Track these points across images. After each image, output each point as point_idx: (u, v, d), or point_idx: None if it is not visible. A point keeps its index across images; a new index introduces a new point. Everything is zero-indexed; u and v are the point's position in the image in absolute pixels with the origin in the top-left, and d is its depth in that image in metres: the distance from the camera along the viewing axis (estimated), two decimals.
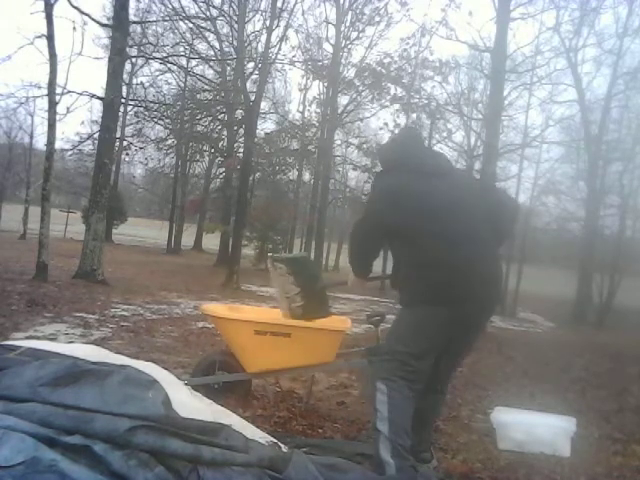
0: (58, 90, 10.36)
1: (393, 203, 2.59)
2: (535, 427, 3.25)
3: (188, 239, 30.33)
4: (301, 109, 23.07)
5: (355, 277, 2.96)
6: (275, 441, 2.32)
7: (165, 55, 16.99)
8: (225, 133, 22.05)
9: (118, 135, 14.91)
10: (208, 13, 17.87)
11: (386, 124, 17.67)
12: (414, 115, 18.79)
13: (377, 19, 16.71)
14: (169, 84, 22.84)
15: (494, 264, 2.65)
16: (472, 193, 2.73)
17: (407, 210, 2.57)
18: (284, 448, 2.26)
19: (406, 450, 2.41)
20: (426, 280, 2.53)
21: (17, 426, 1.68)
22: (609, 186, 19.14)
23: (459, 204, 2.60)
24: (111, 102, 10.66)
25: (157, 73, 21.96)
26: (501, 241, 2.81)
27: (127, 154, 20.15)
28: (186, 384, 2.56)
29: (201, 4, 17.52)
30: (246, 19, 17.19)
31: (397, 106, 17.25)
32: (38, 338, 4.95)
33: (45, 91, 10.46)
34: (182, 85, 22.51)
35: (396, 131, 17.28)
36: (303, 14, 22.01)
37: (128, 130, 23.91)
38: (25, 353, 2.16)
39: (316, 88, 22.42)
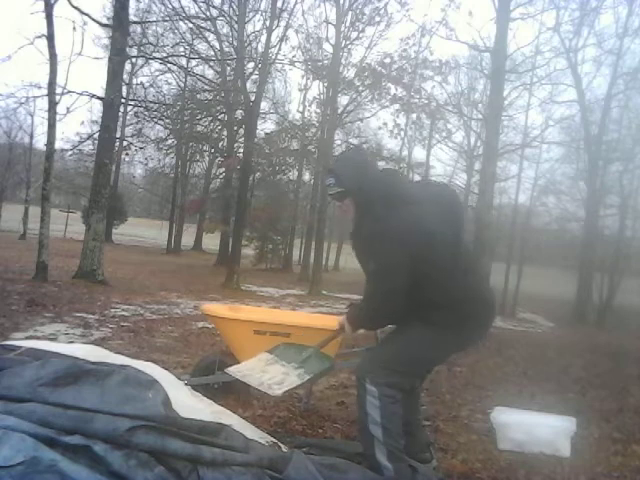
0: (58, 90, 10.37)
1: (412, 242, 2.33)
2: (535, 427, 3.25)
3: (188, 239, 30.33)
4: (301, 109, 23.07)
5: (352, 328, 2.62)
6: (275, 441, 2.32)
7: (165, 55, 16.99)
8: (225, 133, 22.05)
9: (118, 135, 14.88)
10: (208, 13, 17.87)
11: (386, 124, 17.65)
12: (414, 115, 18.78)
13: (377, 19, 16.68)
14: (169, 84, 22.86)
15: (489, 285, 2.67)
16: (458, 214, 2.64)
17: (425, 252, 2.35)
18: (284, 448, 2.26)
19: (401, 451, 2.39)
20: (436, 318, 2.40)
21: (17, 426, 1.68)
22: (609, 186, 19.15)
23: (453, 228, 2.49)
24: (111, 102, 10.66)
25: (157, 73, 21.97)
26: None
27: (127, 154, 20.10)
28: (186, 384, 2.56)
29: (201, 4, 17.52)
30: (246, 19, 17.20)
31: (397, 106, 17.22)
32: (38, 338, 4.95)
33: (45, 91, 10.48)
34: (182, 85, 22.53)
35: (396, 131, 17.27)
36: (303, 14, 22.10)
37: (128, 130, 23.90)
38: (25, 353, 2.17)
39: (316, 88, 22.47)
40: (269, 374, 2.71)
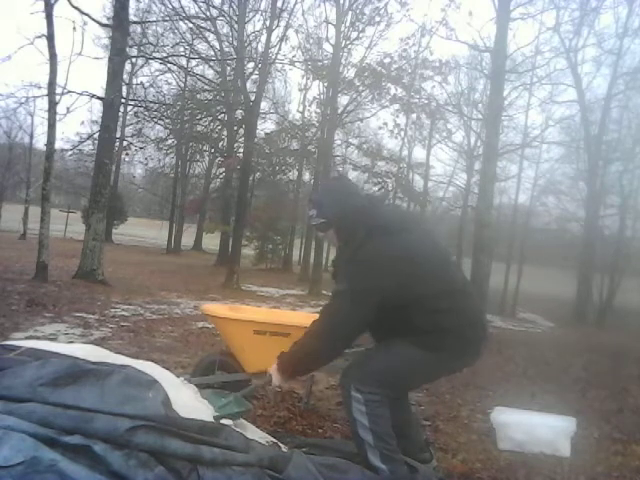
0: (58, 90, 10.35)
1: (392, 273, 2.30)
2: (535, 427, 3.25)
3: (188, 239, 30.33)
4: (301, 109, 23.07)
5: (287, 373, 2.55)
6: (275, 441, 2.32)
7: (165, 55, 16.99)
8: (225, 133, 22.05)
9: (118, 135, 14.88)
10: (208, 13, 17.87)
11: (386, 124, 17.66)
12: (414, 115, 18.78)
13: (377, 19, 16.68)
14: (169, 84, 22.85)
15: (480, 306, 2.66)
16: (433, 238, 2.65)
17: (405, 275, 2.31)
18: (284, 448, 2.26)
19: (393, 451, 2.37)
20: (430, 343, 2.37)
21: (17, 426, 1.68)
22: (609, 186, 19.16)
23: (439, 254, 2.49)
24: (111, 102, 10.66)
25: (157, 73, 21.97)
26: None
27: (127, 154, 20.12)
28: (189, 382, 2.56)
29: (201, 4, 17.53)
30: (246, 19, 17.20)
31: (397, 106, 17.24)
32: (38, 338, 4.95)
33: (45, 91, 10.47)
34: (182, 85, 22.52)
35: (396, 131, 17.28)
36: (303, 14, 22.10)
37: (128, 130, 23.91)
38: (25, 353, 2.16)
39: (316, 88, 22.44)
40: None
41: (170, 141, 22.30)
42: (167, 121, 18.76)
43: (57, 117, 10.25)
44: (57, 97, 10.25)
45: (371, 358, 2.51)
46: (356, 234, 2.41)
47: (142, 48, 17.77)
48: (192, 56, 18.86)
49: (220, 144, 22.18)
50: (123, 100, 14.18)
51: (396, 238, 2.36)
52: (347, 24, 16.64)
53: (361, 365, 2.48)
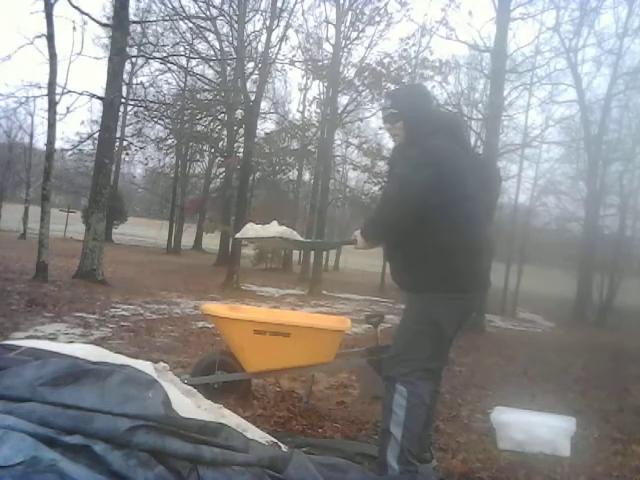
0: (58, 90, 10.36)
1: (438, 175, 2.36)
2: (535, 427, 3.25)
3: (188, 239, 30.32)
4: (301, 109, 23.08)
5: (364, 241, 2.62)
6: (275, 441, 2.32)
7: (165, 55, 16.97)
8: (225, 133, 22.04)
9: (118, 135, 14.88)
10: (208, 13, 17.85)
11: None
12: None
13: (377, 19, 16.68)
14: (169, 84, 22.81)
15: (490, 252, 2.64)
16: (485, 172, 2.67)
17: (448, 186, 2.36)
18: (284, 448, 2.26)
19: (414, 457, 2.37)
20: (447, 266, 2.38)
21: (17, 426, 1.68)
22: (609, 186, 19.16)
23: (481, 186, 2.50)
24: (111, 102, 10.66)
25: (157, 73, 21.95)
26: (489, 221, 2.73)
27: (127, 154, 20.12)
28: (186, 383, 2.56)
29: (201, 4, 17.50)
30: (246, 19, 17.16)
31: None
32: (38, 338, 4.94)
33: (45, 91, 10.47)
34: (182, 85, 22.49)
35: None
36: (303, 14, 22.07)
37: (128, 130, 23.89)
38: (25, 353, 2.16)
39: (316, 88, 22.41)
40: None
41: (170, 141, 22.30)
42: (167, 121, 18.76)
43: (57, 117, 10.27)
44: (57, 97, 10.26)
45: (398, 344, 2.57)
46: (420, 134, 2.50)
47: (142, 48, 17.77)
48: (192, 56, 18.84)
49: (220, 144, 22.17)
50: (123, 100, 14.19)
51: (452, 149, 2.46)
52: (347, 24, 16.64)
53: (397, 355, 2.52)
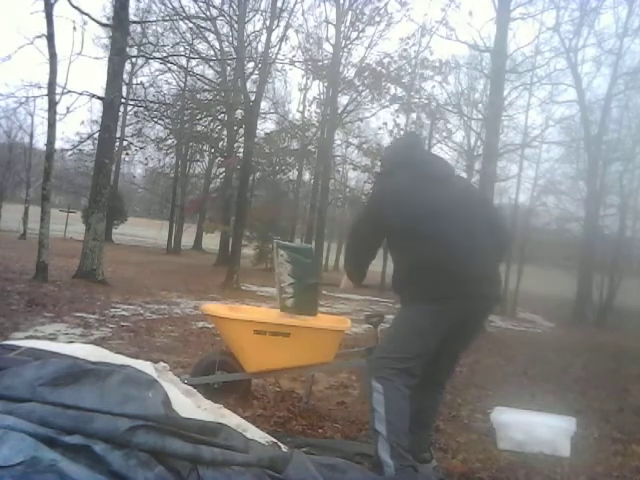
0: (58, 90, 10.35)
1: (394, 205, 2.63)
2: (535, 427, 3.25)
3: (188, 239, 30.33)
4: (301, 109, 23.07)
5: (348, 279, 3.01)
6: (275, 441, 2.32)
7: (165, 55, 16.99)
8: (225, 133, 22.05)
9: (118, 135, 14.89)
10: (208, 13, 17.87)
11: (386, 124, 17.68)
12: (414, 115, 18.79)
13: (377, 19, 16.71)
14: (169, 84, 22.84)
15: (490, 266, 2.67)
16: (471, 199, 2.79)
17: (407, 212, 2.61)
18: (284, 448, 2.26)
19: (405, 450, 2.40)
20: (423, 280, 2.56)
21: (17, 426, 1.68)
22: (609, 186, 19.16)
23: (457, 207, 2.63)
24: (111, 102, 10.66)
25: (157, 73, 21.98)
26: (501, 250, 2.83)
27: (127, 154, 20.12)
28: (186, 383, 2.56)
29: (201, 4, 17.53)
30: (246, 19, 17.19)
31: (397, 106, 17.25)
32: (38, 338, 4.94)
33: (45, 91, 10.46)
34: (182, 85, 22.51)
35: (395, 131, 17.30)
36: (303, 14, 22.02)
37: (128, 130, 23.91)
38: (25, 353, 2.16)
39: (316, 88, 22.44)
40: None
41: (170, 141, 22.30)
42: (167, 121, 18.76)
43: (57, 117, 10.26)
44: (57, 97, 10.25)
45: (382, 342, 2.83)
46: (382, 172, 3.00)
47: (142, 48, 17.78)
48: (192, 56, 18.85)
49: (220, 144, 22.17)
50: (123, 100, 14.18)
51: (413, 181, 2.70)
52: (347, 24, 16.69)
53: (377, 353, 2.75)
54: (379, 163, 3.40)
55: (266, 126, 23.21)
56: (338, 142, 21.35)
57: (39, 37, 10.14)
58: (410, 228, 2.60)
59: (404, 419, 2.45)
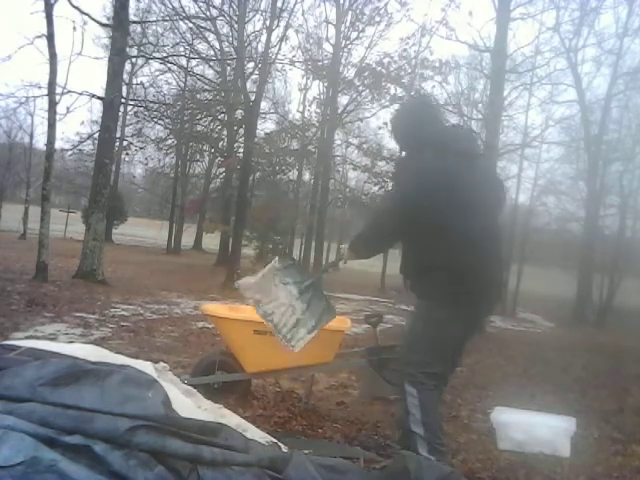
0: (58, 90, 10.36)
1: (429, 193, 2.47)
2: (535, 427, 3.25)
3: (188, 239, 30.31)
4: (301, 109, 23.04)
5: (352, 253, 2.83)
6: (275, 441, 2.32)
7: (165, 55, 16.99)
8: (225, 133, 22.03)
9: (118, 135, 14.89)
10: (208, 13, 17.85)
11: (386, 124, 17.64)
12: None
13: (377, 19, 16.70)
14: (169, 84, 22.83)
15: (501, 264, 2.76)
16: (492, 188, 2.74)
17: (441, 202, 2.46)
18: (284, 448, 2.26)
19: (442, 445, 2.56)
20: (456, 281, 2.49)
21: (17, 426, 1.68)
22: (609, 186, 19.13)
23: (485, 201, 2.59)
24: (111, 102, 10.66)
25: (157, 73, 21.96)
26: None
27: (127, 154, 20.12)
28: (186, 383, 2.56)
29: (201, 4, 17.52)
30: (246, 19, 17.18)
31: (397, 106, 17.22)
32: (38, 338, 4.95)
33: (45, 91, 10.47)
34: (182, 85, 22.50)
35: None
36: (303, 14, 21.99)
37: (128, 130, 23.90)
38: (25, 353, 2.16)
39: (316, 88, 22.40)
40: (283, 316, 2.97)
41: (170, 141, 22.29)
42: (167, 121, 18.76)
43: (57, 117, 10.28)
44: (57, 97, 10.26)
45: (405, 346, 2.74)
46: (413, 147, 2.69)
47: (142, 48, 17.79)
48: (192, 56, 18.85)
49: (220, 144, 22.16)
50: (123, 100, 14.18)
51: (446, 163, 2.54)
52: (347, 24, 16.68)
53: (404, 357, 2.72)
54: (395, 138, 2.99)
55: (266, 126, 23.22)
56: (338, 142, 21.36)
57: (39, 37, 10.16)
58: (441, 219, 2.47)
59: (438, 418, 2.60)
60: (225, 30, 19.71)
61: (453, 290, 2.49)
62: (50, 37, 9.82)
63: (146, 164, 25.20)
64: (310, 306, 3.01)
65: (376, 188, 18.82)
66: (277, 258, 3.23)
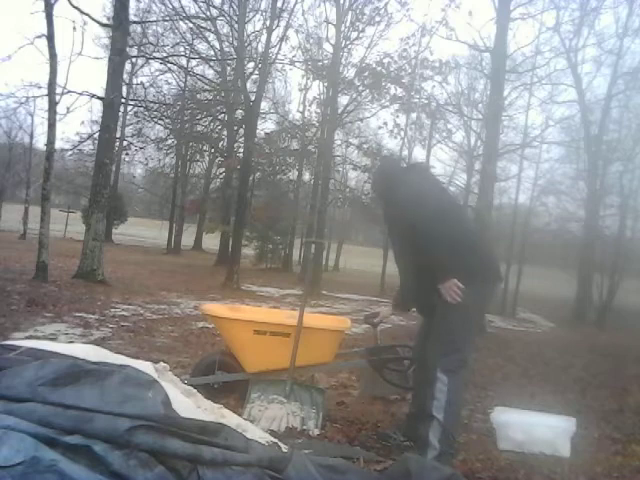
0: (58, 90, 10.36)
1: (437, 195, 2.88)
2: (535, 427, 3.25)
3: (188, 239, 30.32)
4: (301, 109, 23.05)
5: (448, 279, 2.70)
6: (275, 441, 2.32)
7: (165, 55, 17.00)
8: (225, 133, 22.04)
9: (118, 135, 14.91)
10: (208, 13, 17.85)
11: (386, 124, 17.66)
12: (414, 115, 18.78)
13: (377, 19, 16.67)
14: (169, 84, 22.82)
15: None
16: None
17: (449, 200, 2.99)
18: (284, 448, 2.26)
19: (454, 439, 2.66)
20: (475, 259, 2.77)
21: (17, 426, 1.68)
22: (609, 186, 19.14)
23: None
24: (111, 102, 10.66)
25: (157, 73, 21.95)
26: None
27: (127, 154, 20.18)
28: (186, 384, 2.56)
29: (201, 4, 17.51)
30: (246, 19, 17.18)
31: (397, 106, 17.23)
32: (38, 338, 4.95)
33: (45, 91, 10.47)
34: (182, 85, 22.51)
35: (395, 131, 17.32)
36: (303, 14, 22.06)
37: (128, 130, 23.89)
38: (25, 353, 2.16)
39: (316, 88, 22.43)
40: (290, 424, 3.16)
41: (170, 141, 22.32)
42: (167, 121, 18.77)
43: (57, 117, 10.27)
44: (57, 97, 10.25)
45: (436, 336, 2.82)
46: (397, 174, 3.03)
47: (142, 48, 17.79)
48: (192, 56, 18.86)
49: (220, 144, 22.18)
50: (123, 100, 14.20)
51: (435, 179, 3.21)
52: (347, 24, 16.64)
53: (438, 345, 2.78)
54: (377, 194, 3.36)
55: (266, 126, 23.21)
56: (338, 142, 21.34)
57: (39, 37, 10.15)
58: (455, 215, 2.86)
59: (459, 411, 2.75)
60: (225, 30, 19.74)
61: (479, 270, 2.75)
62: (50, 37, 9.82)
63: (146, 164, 25.25)
64: (301, 400, 3.26)
65: None
66: (250, 388, 3.33)
